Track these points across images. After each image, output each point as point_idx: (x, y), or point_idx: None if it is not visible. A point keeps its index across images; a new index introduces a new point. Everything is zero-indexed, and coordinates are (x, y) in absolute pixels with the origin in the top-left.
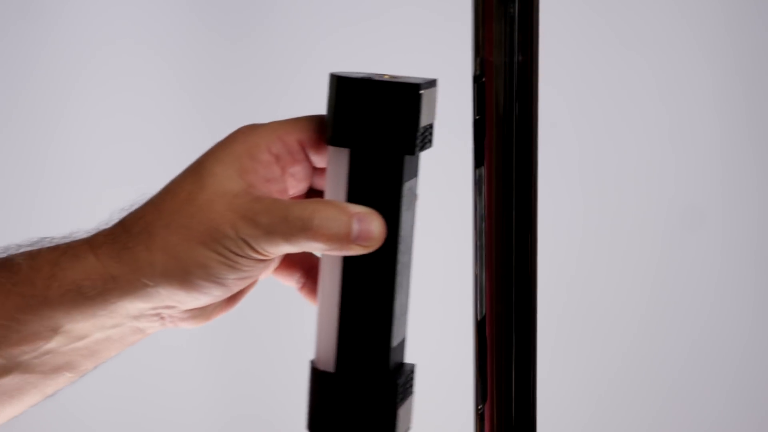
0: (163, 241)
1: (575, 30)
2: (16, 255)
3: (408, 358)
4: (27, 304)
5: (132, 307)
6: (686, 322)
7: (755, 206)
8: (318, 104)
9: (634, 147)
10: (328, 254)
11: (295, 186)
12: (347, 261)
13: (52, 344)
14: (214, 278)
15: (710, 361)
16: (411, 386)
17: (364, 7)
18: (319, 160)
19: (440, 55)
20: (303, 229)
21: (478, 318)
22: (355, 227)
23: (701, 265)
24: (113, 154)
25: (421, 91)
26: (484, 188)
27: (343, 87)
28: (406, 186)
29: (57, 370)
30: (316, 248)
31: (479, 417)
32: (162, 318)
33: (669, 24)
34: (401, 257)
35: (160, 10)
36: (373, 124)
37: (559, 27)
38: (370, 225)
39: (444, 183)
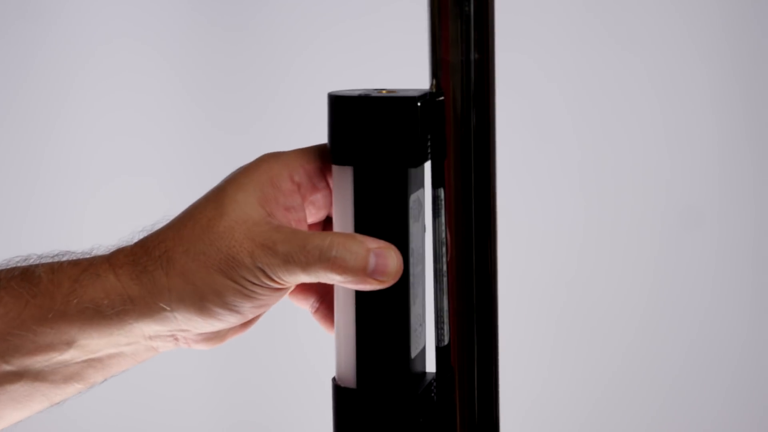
0: (182, 267)
1: (575, 30)
2: (37, 267)
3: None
4: (44, 317)
5: (148, 328)
6: (684, 322)
7: (753, 206)
8: (315, 98)
9: (632, 147)
10: (344, 286)
11: (315, 214)
12: None
13: (66, 356)
14: (229, 306)
15: (708, 361)
16: (432, 395)
17: (364, 4)
18: None
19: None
20: (321, 259)
21: (442, 344)
22: (372, 261)
23: (699, 266)
24: (112, 151)
25: (419, 104)
26: (443, 206)
27: (340, 106)
28: (413, 198)
29: (67, 380)
30: (332, 280)
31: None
32: (176, 339)
33: (666, 24)
34: (413, 269)
35: (159, 8)
36: (374, 141)
37: (558, 27)
38: (387, 260)
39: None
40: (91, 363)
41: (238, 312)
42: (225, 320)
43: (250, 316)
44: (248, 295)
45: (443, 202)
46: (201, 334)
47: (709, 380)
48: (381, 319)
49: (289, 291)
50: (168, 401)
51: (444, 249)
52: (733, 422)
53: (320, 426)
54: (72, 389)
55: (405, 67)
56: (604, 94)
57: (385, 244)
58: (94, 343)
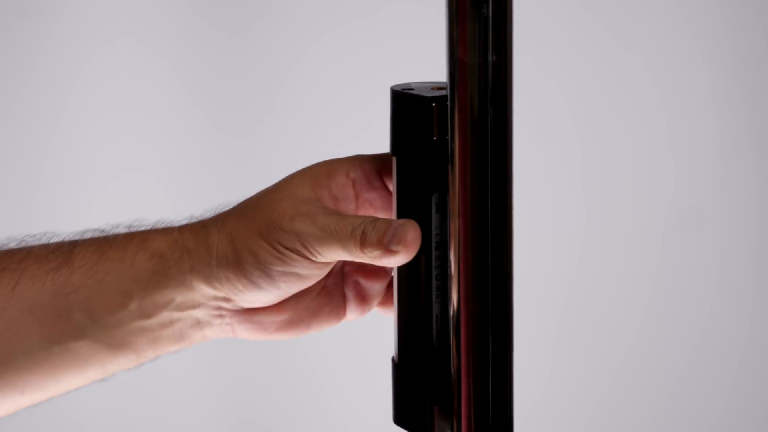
0: (231, 227)
1: (577, 30)
2: (116, 228)
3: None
4: (114, 268)
5: (198, 287)
6: (686, 322)
7: (755, 206)
8: (317, 100)
9: (633, 147)
10: (376, 264)
11: (374, 214)
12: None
13: (125, 314)
14: (262, 266)
15: (710, 361)
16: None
17: (367, 5)
18: None
19: (438, 50)
20: (352, 234)
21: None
22: (390, 233)
23: (701, 266)
24: (113, 151)
25: (434, 104)
26: (454, 205)
27: (392, 98)
28: (439, 195)
29: (122, 347)
30: (361, 256)
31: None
32: (222, 316)
33: (668, 24)
34: (436, 263)
35: (160, 8)
36: (401, 135)
37: (559, 27)
38: (405, 232)
39: None
40: (144, 330)
41: (269, 275)
42: (259, 285)
43: (284, 288)
44: (280, 258)
45: (447, 204)
46: (245, 314)
47: (712, 380)
48: (407, 303)
49: (323, 271)
50: (169, 401)
51: (450, 249)
52: (736, 422)
53: (320, 423)
54: (125, 360)
55: (407, 66)
56: (605, 94)
57: (405, 219)
58: (150, 302)
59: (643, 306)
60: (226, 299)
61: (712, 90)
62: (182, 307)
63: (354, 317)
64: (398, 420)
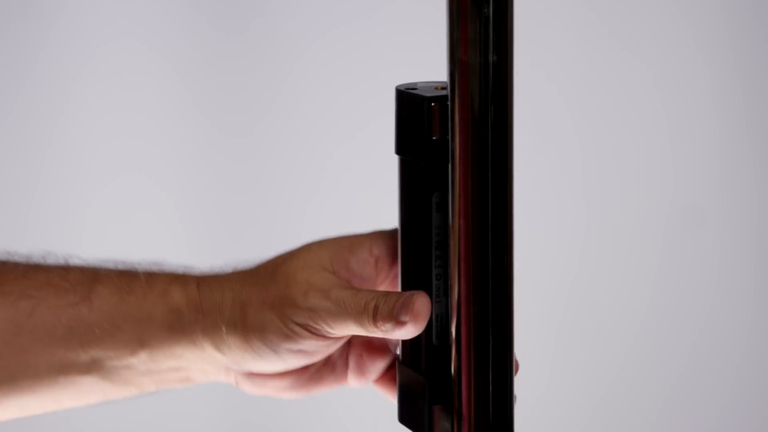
0: (246, 294)
1: (577, 31)
2: (138, 266)
3: None
4: (131, 315)
5: (207, 350)
6: (686, 322)
7: (755, 206)
8: (317, 100)
9: (633, 148)
10: (388, 337)
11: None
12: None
13: (134, 360)
14: (268, 342)
15: (710, 361)
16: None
17: (367, 4)
18: None
19: (438, 50)
20: (365, 307)
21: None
22: (399, 304)
23: (701, 266)
24: (113, 152)
25: (432, 103)
26: (455, 206)
27: (396, 98)
28: (440, 195)
29: (126, 384)
30: (374, 330)
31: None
32: (227, 374)
33: (668, 24)
34: (436, 263)
35: (161, 8)
36: (406, 134)
37: (561, 27)
38: (413, 302)
39: None
40: (151, 373)
41: (275, 353)
42: (265, 358)
43: (290, 361)
44: (288, 336)
45: (447, 204)
46: (248, 373)
47: (712, 380)
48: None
49: (331, 348)
50: (168, 402)
51: (451, 248)
52: (736, 422)
53: (321, 423)
54: (127, 392)
55: (407, 66)
56: (605, 94)
57: (416, 291)
58: (161, 354)
59: (643, 306)
60: (233, 362)
61: (712, 90)
62: (191, 361)
63: (353, 386)
64: (402, 418)
